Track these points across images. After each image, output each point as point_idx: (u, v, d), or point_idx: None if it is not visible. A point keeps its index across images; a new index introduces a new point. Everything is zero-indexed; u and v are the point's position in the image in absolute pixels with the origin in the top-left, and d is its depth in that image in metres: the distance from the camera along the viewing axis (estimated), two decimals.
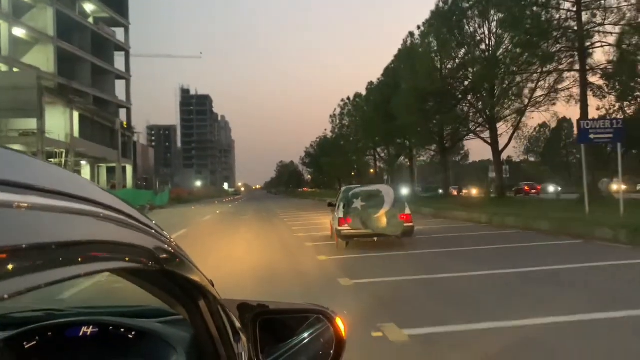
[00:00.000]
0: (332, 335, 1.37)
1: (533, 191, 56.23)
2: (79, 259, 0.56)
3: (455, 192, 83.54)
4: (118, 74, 71.34)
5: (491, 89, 31.62)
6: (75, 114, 54.62)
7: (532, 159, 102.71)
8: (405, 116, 34.44)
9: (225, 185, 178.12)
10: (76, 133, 54.46)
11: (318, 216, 24.76)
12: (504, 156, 67.09)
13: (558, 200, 32.93)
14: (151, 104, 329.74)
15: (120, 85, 73.67)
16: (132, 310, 1.62)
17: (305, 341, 1.38)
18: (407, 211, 12.89)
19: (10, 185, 0.50)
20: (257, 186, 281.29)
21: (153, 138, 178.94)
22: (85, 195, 0.66)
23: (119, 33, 73.68)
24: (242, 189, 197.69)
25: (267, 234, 18.10)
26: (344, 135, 67.30)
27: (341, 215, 12.69)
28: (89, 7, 66.59)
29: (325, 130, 75.12)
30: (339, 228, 12.64)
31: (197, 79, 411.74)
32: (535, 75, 28.96)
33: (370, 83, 55.35)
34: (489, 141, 33.14)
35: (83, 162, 61.81)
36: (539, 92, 30.87)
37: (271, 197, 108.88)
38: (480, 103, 33.83)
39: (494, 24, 30.67)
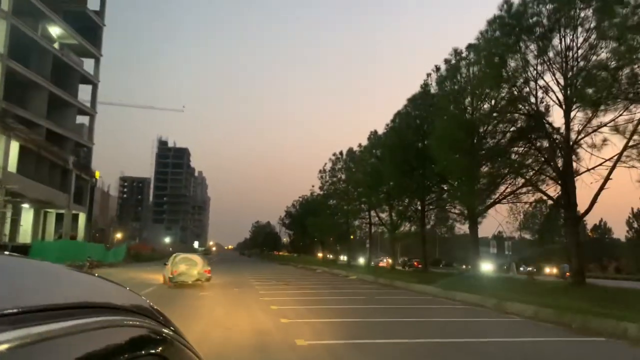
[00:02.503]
0: None
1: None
2: None
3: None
4: (81, 108, 60.79)
5: (567, 123, 22.13)
6: (15, 145, 43.78)
7: (527, 237, 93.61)
8: (447, 158, 24.64)
9: (196, 244, 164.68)
10: (13, 167, 43.43)
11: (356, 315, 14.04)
12: (494, 231, 56.30)
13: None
14: (128, 155, 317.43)
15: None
16: None
17: None
18: (209, 268, 22.95)
19: None
20: (230, 246, 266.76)
21: (125, 189, 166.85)
22: (88, 301, 0.62)
23: (89, 64, 63.98)
24: (214, 248, 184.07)
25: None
26: (337, 192, 57.04)
27: (174, 269, 22.10)
28: (55, 31, 56.83)
29: (313, 186, 65.19)
30: (171, 276, 21.96)
31: (176, 133, 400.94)
32: None
33: (373, 133, 45.94)
34: (560, 202, 23.28)
35: (25, 205, 50.35)
36: None
37: (244, 259, 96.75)
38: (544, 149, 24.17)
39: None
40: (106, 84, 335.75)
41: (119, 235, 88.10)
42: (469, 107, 28.66)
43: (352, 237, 64.77)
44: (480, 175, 26.62)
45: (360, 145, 48.95)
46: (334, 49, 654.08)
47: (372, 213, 51.90)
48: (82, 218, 61.56)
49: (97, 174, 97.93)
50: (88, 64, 63.66)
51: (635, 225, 75.84)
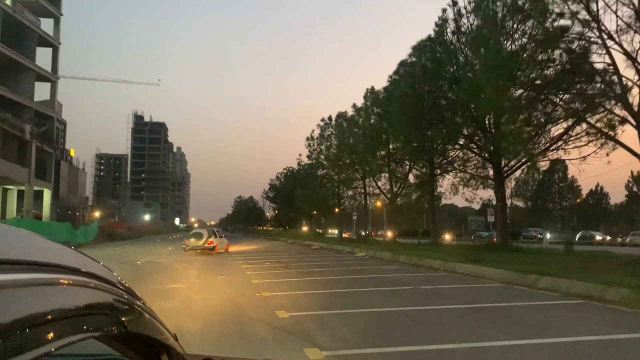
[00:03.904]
0: None
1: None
2: (36, 341, 0.50)
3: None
4: (40, 73, 53.41)
5: None
6: None
7: (519, 204, 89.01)
8: (497, 92, 18.85)
9: (177, 220, 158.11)
10: None
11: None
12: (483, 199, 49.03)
13: None
14: (104, 132, 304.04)
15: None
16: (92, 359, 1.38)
17: None
18: (212, 239, 28.33)
19: None
20: (212, 222, 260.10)
21: (102, 167, 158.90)
22: (38, 260, 0.60)
23: (48, 25, 56.37)
24: (196, 224, 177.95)
25: None
26: (329, 158, 50.90)
27: (186, 240, 28.77)
28: None
29: (300, 155, 58.99)
30: (184, 245, 28.43)
31: (154, 108, 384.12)
32: None
33: (371, 90, 40.00)
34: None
35: None
36: None
37: (227, 235, 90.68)
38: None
39: None
40: (78, 58, 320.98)
41: (96, 214, 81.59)
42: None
43: (342, 208, 59.16)
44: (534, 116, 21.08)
45: (354, 106, 43.04)
46: (318, 17, 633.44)
47: (368, 181, 46.44)
48: (47, 195, 54.88)
49: (72, 152, 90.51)
50: (47, 26, 56.22)
51: (635, 189, 71.36)
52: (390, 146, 36.34)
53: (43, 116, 55.39)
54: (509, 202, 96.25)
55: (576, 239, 51.47)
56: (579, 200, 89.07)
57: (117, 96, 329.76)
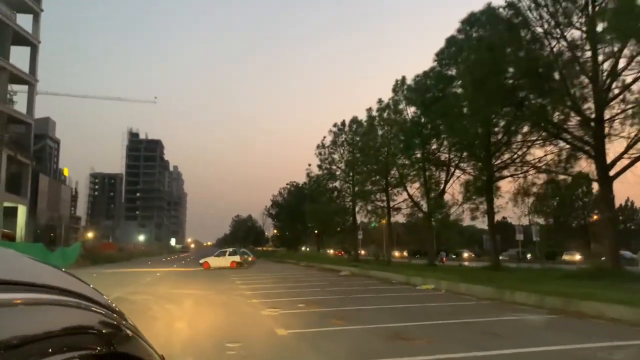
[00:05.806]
0: None
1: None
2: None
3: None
4: (15, 73, 45.87)
5: None
6: None
7: (540, 221, 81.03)
8: None
9: (173, 241, 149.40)
10: None
11: None
12: (498, 217, 39.16)
13: None
14: (99, 151, 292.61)
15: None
16: None
17: None
18: (242, 256, 38.81)
19: None
20: (209, 243, 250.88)
21: (96, 187, 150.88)
22: (19, 279, 0.58)
23: (26, 21, 49.16)
24: (192, 245, 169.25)
25: None
26: (351, 163, 42.78)
27: (240, 257, 37.50)
28: None
29: (310, 165, 51.09)
30: (240, 261, 36.90)
31: (150, 127, 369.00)
32: None
33: (401, 80, 32.56)
34: None
35: None
36: None
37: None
38: None
39: None
40: (71, 76, 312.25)
41: (89, 235, 73.65)
42: None
43: (354, 225, 51.23)
44: None
45: (380, 101, 35.48)
46: (321, 29, 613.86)
47: (391, 192, 38.82)
48: (21, 212, 47.07)
49: (66, 171, 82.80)
50: (26, 21, 49.02)
51: None
52: (433, 146, 29.03)
53: (19, 123, 47.92)
54: (526, 220, 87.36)
55: None
56: (595, 217, 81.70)
57: (113, 114, 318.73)
